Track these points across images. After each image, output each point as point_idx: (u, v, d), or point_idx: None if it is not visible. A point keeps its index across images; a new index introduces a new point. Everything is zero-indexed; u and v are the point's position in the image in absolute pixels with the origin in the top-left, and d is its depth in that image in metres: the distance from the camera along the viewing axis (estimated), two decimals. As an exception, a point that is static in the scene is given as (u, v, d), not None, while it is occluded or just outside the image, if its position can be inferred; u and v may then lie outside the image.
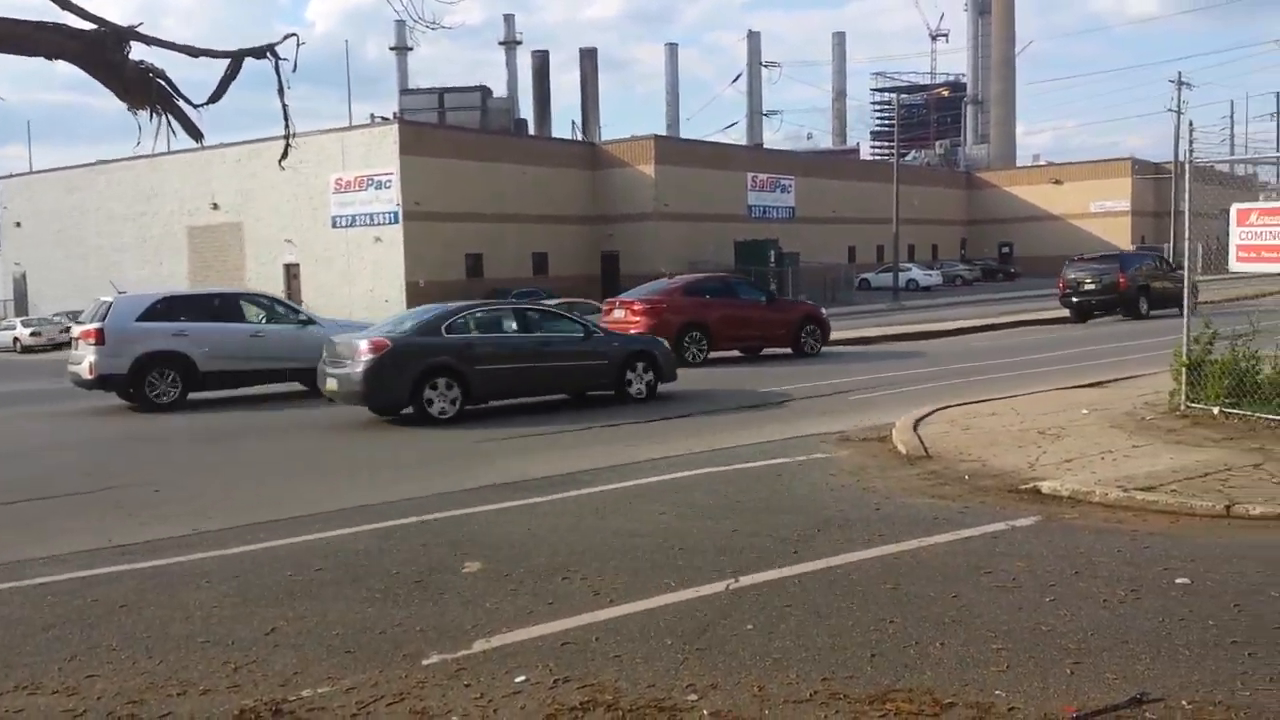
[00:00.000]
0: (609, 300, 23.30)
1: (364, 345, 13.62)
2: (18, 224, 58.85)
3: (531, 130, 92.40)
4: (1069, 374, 16.12)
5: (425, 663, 5.01)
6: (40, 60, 4.88)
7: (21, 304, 57.16)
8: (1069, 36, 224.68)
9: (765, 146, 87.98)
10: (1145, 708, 4.19)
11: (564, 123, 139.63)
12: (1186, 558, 6.26)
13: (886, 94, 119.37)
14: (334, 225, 44.52)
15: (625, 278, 49.88)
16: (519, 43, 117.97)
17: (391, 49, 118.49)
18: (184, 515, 8.72)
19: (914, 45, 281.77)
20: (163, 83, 5.09)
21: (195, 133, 5.36)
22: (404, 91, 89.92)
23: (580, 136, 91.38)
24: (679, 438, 11.88)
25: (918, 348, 23.32)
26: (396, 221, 42.61)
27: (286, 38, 5.26)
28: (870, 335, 26.78)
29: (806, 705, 4.36)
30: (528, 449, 11.66)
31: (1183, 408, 10.85)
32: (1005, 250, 74.42)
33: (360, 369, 13.40)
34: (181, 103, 5.21)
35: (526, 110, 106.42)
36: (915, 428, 11.13)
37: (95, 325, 16.62)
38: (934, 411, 12.19)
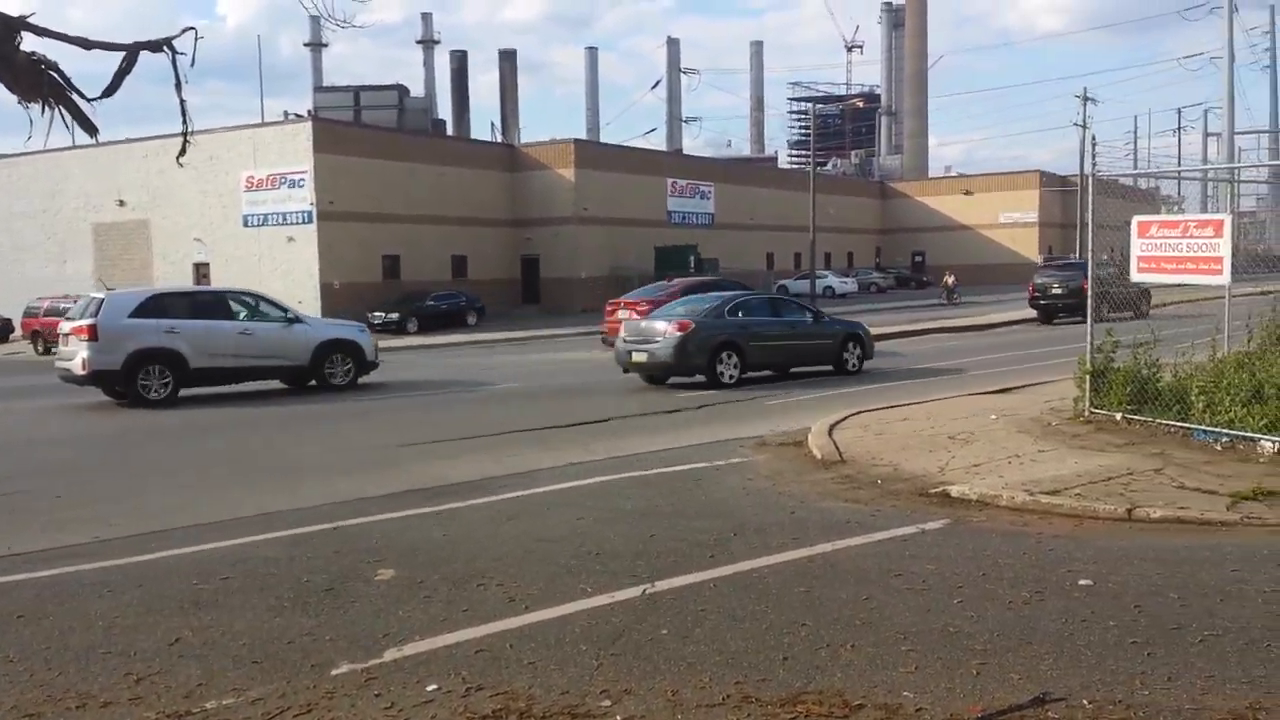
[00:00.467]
0: (612, 301, 25.10)
1: (672, 326, 16.83)
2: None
3: (450, 131, 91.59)
4: (982, 379, 16.49)
5: (334, 673, 4.92)
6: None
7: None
8: (979, 51, 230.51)
9: (685, 153, 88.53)
10: (1048, 707, 4.29)
11: (483, 124, 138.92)
12: (1089, 560, 6.44)
13: (803, 104, 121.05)
14: (245, 224, 43.52)
15: (545, 281, 49.84)
16: (437, 42, 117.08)
17: (306, 45, 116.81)
18: (88, 521, 8.45)
19: (830, 56, 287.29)
20: (55, 75, 4.91)
21: (90, 127, 5.18)
22: (319, 89, 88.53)
23: (499, 138, 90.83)
24: (599, 442, 11.86)
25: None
26: (310, 221, 41.80)
27: (184, 31, 5.11)
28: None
29: (719, 709, 4.38)
30: (447, 453, 11.53)
31: (1087, 413, 11.17)
32: (918, 259, 75.91)
33: (671, 344, 16.54)
34: (76, 96, 5.03)
35: (445, 111, 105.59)
36: (830, 432, 11.28)
37: (88, 321, 16.77)
38: (849, 416, 12.38)
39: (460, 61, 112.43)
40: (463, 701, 4.53)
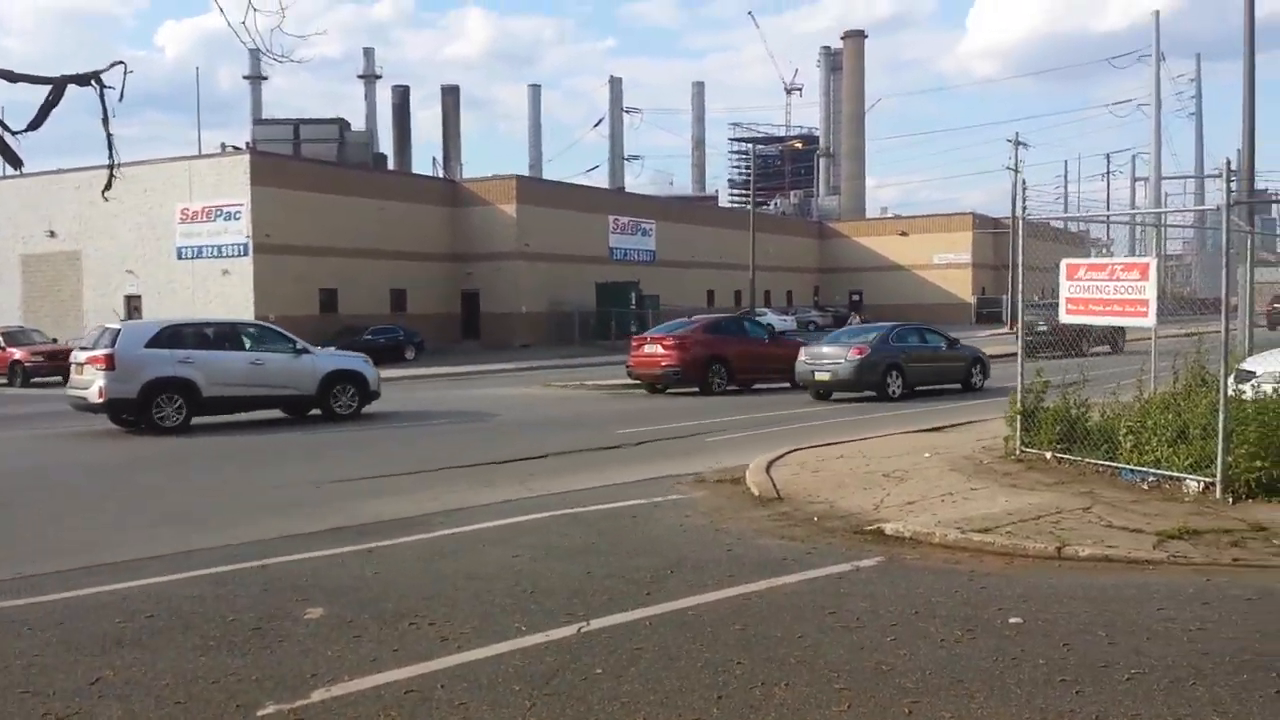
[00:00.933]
0: (639, 335, 25.79)
1: (851, 351, 20.25)
2: None
3: (391, 165, 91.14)
4: (916, 418, 16.69)
5: (260, 713, 4.80)
6: None
7: None
8: (916, 95, 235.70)
9: (627, 190, 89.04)
10: (979, 744, 4.32)
11: (425, 159, 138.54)
12: (1020, 598, 6.52)
13: (743, 144, 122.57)
14: (179, 256, 42.82)
15: (485, 316, 49.63)
16: (379, 76, 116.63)
17: (245, 78, 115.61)
18: (7, 559, 8.17)
19: (771, 98, 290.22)
20: None
21: (14, 159, 5.08)
22: (258, 121, 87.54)
23: (441, 173, 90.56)
24: (537, 479, 11.78)
25: (773, 390, 23.79)
26: (246, 254, 41.25)
27: (113, 65, 5.05)
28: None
29: (654, 750, 4.33)
30: (376, 490, 11.38)
31: (1018, 452, 11.36)
32: (856, 298, 76.92)
33: (852, 366, 19.97)
34: (0, 129, 4.93)
35: (386, 145, 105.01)
36: (768, 470, 11.33)
37: (105, 351, 17.10)
38: (786, 454, 12.45)
39: (402, 96, 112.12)
40: (392, 744, 4.44)
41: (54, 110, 4.93)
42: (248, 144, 62.32)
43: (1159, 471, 9.59)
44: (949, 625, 5.96)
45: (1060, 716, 4.58)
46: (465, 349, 46.73)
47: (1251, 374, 11.73)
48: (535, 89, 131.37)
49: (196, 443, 16.13)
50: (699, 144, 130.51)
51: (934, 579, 7.03)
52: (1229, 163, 11.75)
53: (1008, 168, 60.08)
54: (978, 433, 13.68)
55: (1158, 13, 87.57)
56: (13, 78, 4.84)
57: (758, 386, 23.83)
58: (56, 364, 29.10)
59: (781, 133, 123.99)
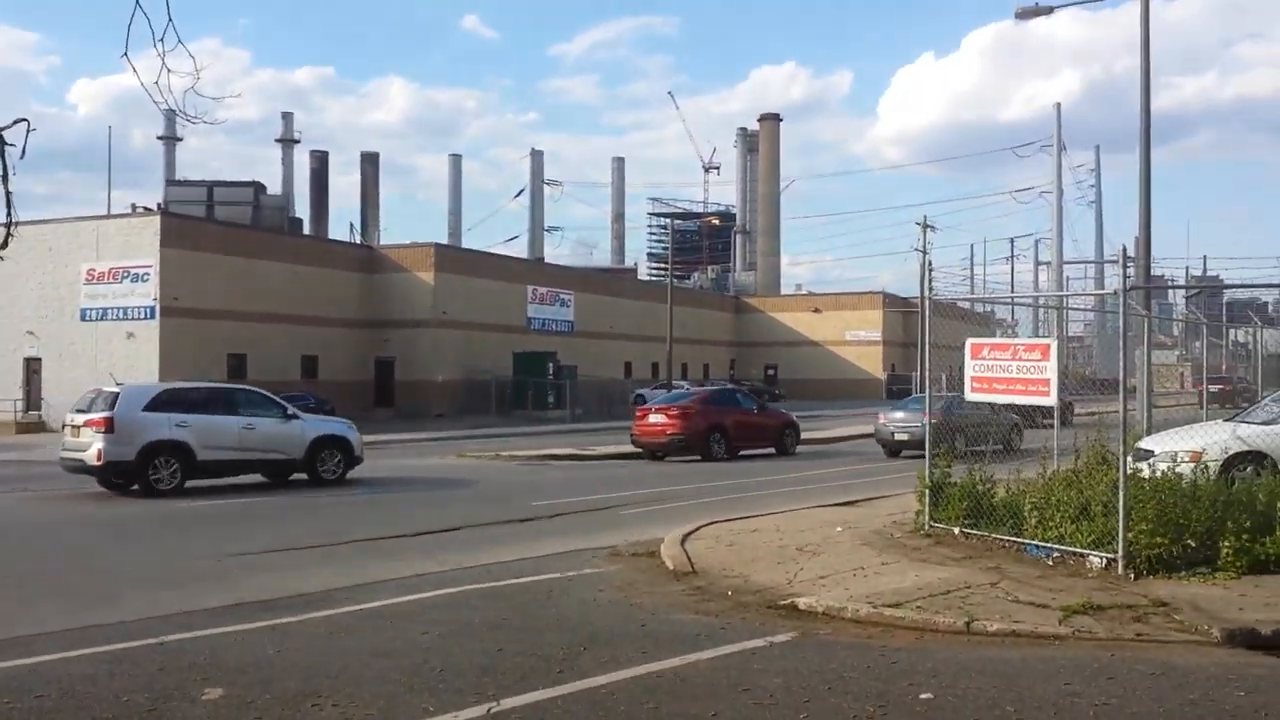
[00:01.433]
0: (643, 406, 28.25)
1: (924, 417, 18.83)
2: None
3: (307, 230, 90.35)
4: (830, 491, 16.85)
5: (150, 802, 4.57)
6: None
7: None
8: (830, 177, 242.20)
9: (547, 260, 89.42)
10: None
11: (343, 225, 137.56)
12: (930, 673, 6.56)
13: (663, 219, 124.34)
14: (83, 318, 41.61)
15: (400, 384, 49.04)
16: (297, 141, 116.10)
17: (160, 138, 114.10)
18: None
19: (690, 175, 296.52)
20: None
21: None
22: (171, 182, 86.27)
23: (358, 239, 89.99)
24: (449, 552, 11.58)
25: (691, 465, 23.85)
26: (153, 317, 40.26)
27: (16, 122, 4.95)
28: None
29: (564, 835, 4.23)
30: (283, 564, 11.06)
31: (927, 527, 11.51)
32: (770, 372, 77.94)
33: (925, 429, 19.65)
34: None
35: (303, 210, 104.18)
36: (683, 543, 11.30)
37: (104, 414, 17.38)
38: (701, 527, 12.43)
39: (321, 161, 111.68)
40: (290, 832, 4.26)
41: (-46, 168, 4.80)
42: (159, 205, 61.34)
43: (1063, 547, 9.79)
44: (861, 701, 5.96)
45: (970, 795, 4.59)
46: (378, 417, 45.98)
47: (1150, 453, 12.14)
48: (456, 158, 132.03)
49: (148, 507, 16.00)
50: (619, 217, 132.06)
51: (847, 654, 7.05)
52: (1125, 249, 12.29)
53: (916, 249, 61.90)
54: (888, 507, 13.85)
55: (1059, 105, 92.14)
56: None
57: (744, 453, 25.26)
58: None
59: (700, 209, 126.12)
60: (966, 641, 7.47)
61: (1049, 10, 19.67)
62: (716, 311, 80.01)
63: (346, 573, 10.32)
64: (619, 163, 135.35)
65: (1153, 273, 19.07)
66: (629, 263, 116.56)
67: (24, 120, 4.93)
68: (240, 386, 21.78)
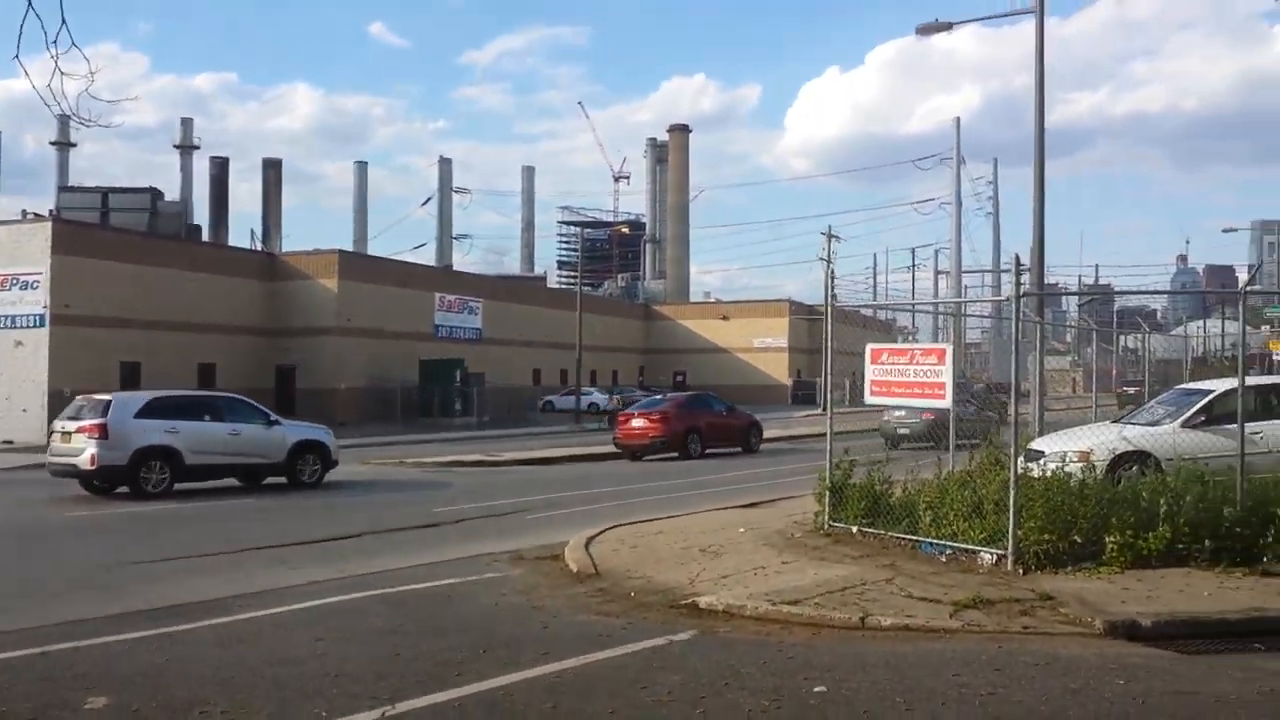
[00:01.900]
0: (625, 411, 29.91)
1: (927, 415, 19.38)
2: None
3: (207, 237, 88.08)
4: (734, 494, 16.99)
5: (24, 815, 4.40)
6: None
7: None
8: (738, 187, 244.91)
9: (455, 268, 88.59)
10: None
11: (244, 232, 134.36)
12: (825, 667, 6.67)
13: (573, 227, 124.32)
14: (-33, 326, 39.92)
15: (302, 392, 48.00)
16: (196, 147, 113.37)
17: (53, 144, 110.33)
18: None
19: (600, 184, 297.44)
20: None
21: None
22: (64, 188, 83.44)
23: (260, 246, 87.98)
24: (348, 560, 11.39)
25: (598, 468, 23.85)
26: (43, 325, 38.77)
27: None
28: (552, 456, 27.19)
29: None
30: (178, 571, 10.75)
31: (826, 527, 11.70)
32: (679, 378, 78.27)
33: (926, 425, 19.79)
34: None
35: (202, 217, 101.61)
36: (587, 546, 11.30)
37: (97, 421, 18.02)
38: (605, 530, 12.44)
39: (220, 168, 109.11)
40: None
41: None
42: (51, 211, 59.20)
43: (956, 545, 10.04)
44: (757, 696, 6.03)
45: (860, 782, 4.68)
46: (280, 427, 44.98)
47: (1040, 453, 12.53)
48: (362, 165, 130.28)
49: (78, 515, 15.77)
50: (529, 226, 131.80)
51: (745, 650, 7.13)
52: (1018, 258, 12.69)
53: (821, 258, 62.74)
54: (790, 509, 14.01)
55: (959, 119, 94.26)
56: None
57: (711, 451, 27.01)
58: None
59: (610, 218, 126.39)
60: (861, 636, 7.61)
61: (949, 26, 20.15)
62: (626, 319, 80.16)
63: (243, 580, 10.08)
64: (529, 171, 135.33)
65: (1046, 280, 19.71)
66: (539, 271, 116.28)
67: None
68: (226, 394, 22.83)
